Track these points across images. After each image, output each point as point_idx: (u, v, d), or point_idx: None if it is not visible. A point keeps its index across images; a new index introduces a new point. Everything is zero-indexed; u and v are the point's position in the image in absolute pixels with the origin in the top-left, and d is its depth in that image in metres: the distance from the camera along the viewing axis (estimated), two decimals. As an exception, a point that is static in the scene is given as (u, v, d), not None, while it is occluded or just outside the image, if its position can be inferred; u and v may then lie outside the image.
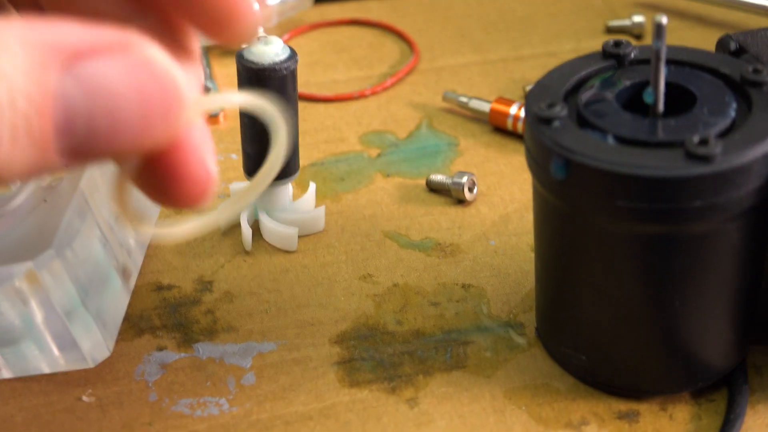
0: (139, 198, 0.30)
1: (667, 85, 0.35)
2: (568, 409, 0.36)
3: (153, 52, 0.26)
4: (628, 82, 0.36)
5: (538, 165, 0.34)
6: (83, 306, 0.37)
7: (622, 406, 0.36)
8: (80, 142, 0.25)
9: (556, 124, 0.34)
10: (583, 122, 0.34)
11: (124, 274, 0.41)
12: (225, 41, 0.30)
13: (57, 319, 0.37)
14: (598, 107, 0.35)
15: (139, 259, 0.43)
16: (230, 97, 0.32)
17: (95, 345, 0.38)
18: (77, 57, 0.25)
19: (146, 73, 0.25)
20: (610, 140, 0.33)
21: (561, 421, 0.36)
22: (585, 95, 0.35)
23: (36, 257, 0.35)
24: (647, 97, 0.35)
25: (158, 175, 0.29)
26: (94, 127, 0.25)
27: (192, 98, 0.26)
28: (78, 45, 0.25)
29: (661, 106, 0.34)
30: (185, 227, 0.30)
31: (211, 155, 0.30)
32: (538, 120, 0.34)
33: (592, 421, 0.36)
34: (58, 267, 0.36)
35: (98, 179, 0.40)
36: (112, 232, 0.40)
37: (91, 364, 0.38)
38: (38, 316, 0.37)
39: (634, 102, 0.35)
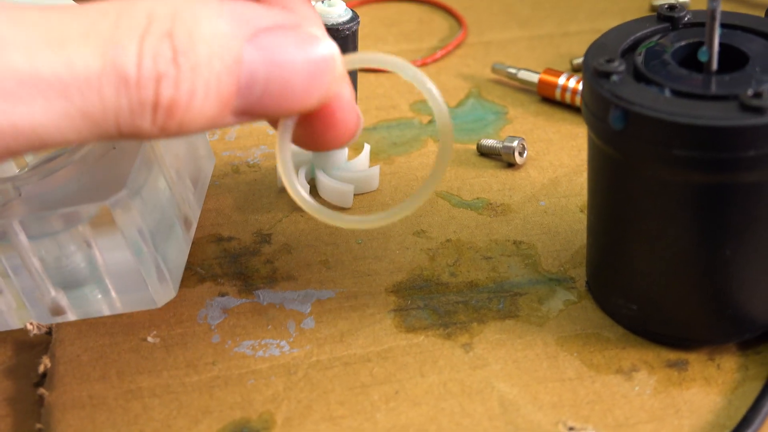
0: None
1: (721, 45, 0.36)
2: (619, 356, 0.38)
3: (317, 30, 0.31)
4: (683, 42, 0.37)
5: (596, 118, 0.35)
6: (154, 248, 0.39)
7: (671, 355, 0.38)
8: (253, 103, 0.29)
9: (615, 78, 0.35)
10: (640, 77, 0.36)
11: (185, 223, 0.42)
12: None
13: (124, 260, 0.39)
14: (654, 64, 0.36)
15: (197, 211, 0.44)
16: (374, 57, 0.34)
17: (162, 286, 0.40)
18: (260, 31, 0.29)
19: (313, 48, 0.30)
20: (667, 93, 0.35)
21: (612, 367, 0.37)
22: (642, 53, 0.37)
23: (110, 197, 0.37)
24: (702, 55, 0.36)
25: (315, 126, 0.34)
26: (268, 90, 0.29)
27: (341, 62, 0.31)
28: (260, 21, 0.29)
29: (715, 64, 0.36)
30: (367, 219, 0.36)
31: (355, 101, 0.35)
32: (597, 74, 0.35)
33: (643, 368, 0.37)
34: (131, 207, 0.37)
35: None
36: (175, 184, 0.42)
37: (158, 305, 0.40)
38: (105, 258, 0.39)
39: (688, 61, 0.37)
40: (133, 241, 0.38)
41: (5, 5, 0.27)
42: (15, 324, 0.40)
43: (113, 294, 0.40)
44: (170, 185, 0.41)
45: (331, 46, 0.31)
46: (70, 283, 0.40)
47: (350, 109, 0.35)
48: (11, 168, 0.44)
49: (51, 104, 0.26)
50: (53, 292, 0.39)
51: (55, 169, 0.39)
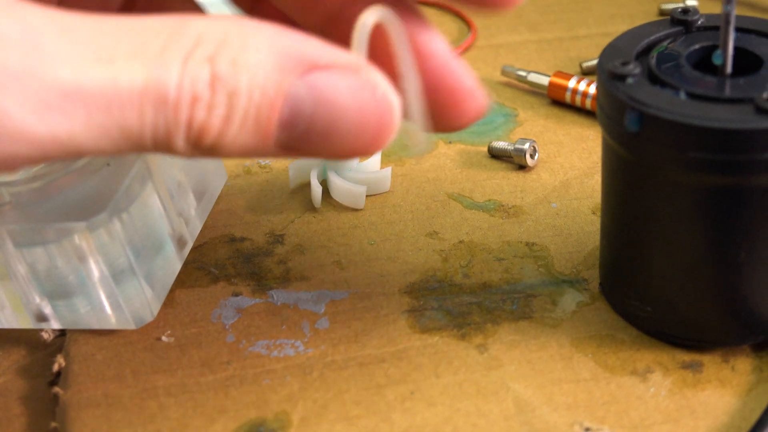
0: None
1: (735, 49, 0.36)
2: (633, 358, 0.38)
3: (378, 78, 0.29)
4: (697, 45, 0.37)
5: (611, 120, 0.36)
6: (132, 268, 0.38)
7: (686, 356, 0.38)
8: (296, 139, 0.29)
9: (630, 80, 0.35)
10: (654, 80, 0.36)
11: (179, 242, 0.42)
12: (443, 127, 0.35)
13: (106, 278, 0.38)
14: (669, 67, 0.36)
15: (197, 227, 0.44)
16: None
17: (140, 307, 0.39)
18: (313, 68, 0.28)
19: (369, 95, 0.29)
20: (682, 96, 0.35)
21: (627, 368, 0.37)
22: (656, 56, 0.37)
23: (89, 219, 0.37)
24: (716, 59, 0.36)
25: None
26: (312, 129, 0.29)
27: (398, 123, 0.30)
28: (316, 59, 0.29)
29: (729, 67, 0.36)
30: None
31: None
32: (612, 76, 0.35)
33: (657, 369, 0.37)
34: (110, 230, 0.37)
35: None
36: (172, 201, 0.41)
37: (133, 326, 0.39)
38: (93, 274, 0.38)
39: (702, 65, 0.37)
40: (113, 261, 0.38)
41: (62, 15, 0.27)
42: (17, 324, 0.40)
43: (106, 309, 0.39)
44: (164, 203, 0.41)
45: (390, 98, 0.29)
46: (58, 294, 0.39)
47: (467, 91, 0.34)
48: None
49: (92, 118, 0.27)
50: (38, 300, 0.39)
51: (49, 179, 0.38)
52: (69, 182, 0.39)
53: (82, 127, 0.27)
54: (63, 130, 0.27)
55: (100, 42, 0.27)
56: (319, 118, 0.29)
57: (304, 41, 0.29)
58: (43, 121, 0.27)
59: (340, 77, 0.29)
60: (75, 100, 0.27)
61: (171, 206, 0.41)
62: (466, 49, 0.58)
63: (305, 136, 0.29)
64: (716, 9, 0.59)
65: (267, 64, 0.28)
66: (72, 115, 0.27)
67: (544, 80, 0.53)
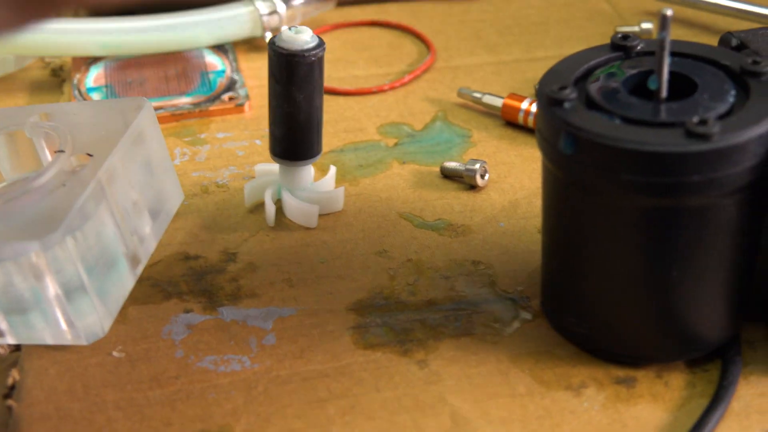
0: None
1: (671, 73, 0.37)
2: (569, 373, 0.39)
3: None
4: (634, 71, 0.38)
5: (548, 143, 0.37)
6: (84, 286, 0.39)
7: (620, 372, 0.39)
8: None
9: (567, 105, 0.36)
10: (591, 105, 0.37)
11: (133, 260, 0.42)
12: None
13: (60, 295, 0.39)
14: (606, 92, 0.37)
15: (151, 246, 0.44)
16: None
17: (92, 323, 0.39)
18: None
19: None
20: (617, 121, 0.36)
21: (562, 384, 0.38)
22: (594, 81, 0.38)
23: (43, 238, 0.37)
24: (651, 83, 0.37)
25: None
26: None
27: None
28: None
29: (664, 92, 0.37)
30: None
31: None
32: (550, 101, 0.37)
33: (591, 384, 0.38)
34: (64, 248, 0.38)
35: (118, 169, 0.42)
36: (127, 220, 0.42)
37: (85, 342, 0.40)
38: (48, 291, 0.39)
39: (639, 89, 0.38)
40: (67, 279, 0.39)
41: None
42: None
43: (61, 325, 0.40)
44: (118, 222, 0.41)
45: None
46: (14, 310, 0.40)
47: None
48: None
49: None
50: None
51: (6, 198, 0.39)
52: (26, 202, 0.39)
53: None
54: None
55: None
56: None
57: None
58: None
59: None
60: None
61: (125, 225, 0.42)
62: (424, 71, 0.59)
63: None
64: (679, 32, 0.61)
65: None
66: None
67: (498, 102, 0.54)
